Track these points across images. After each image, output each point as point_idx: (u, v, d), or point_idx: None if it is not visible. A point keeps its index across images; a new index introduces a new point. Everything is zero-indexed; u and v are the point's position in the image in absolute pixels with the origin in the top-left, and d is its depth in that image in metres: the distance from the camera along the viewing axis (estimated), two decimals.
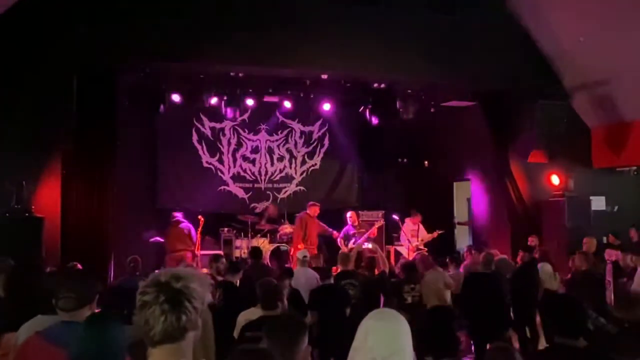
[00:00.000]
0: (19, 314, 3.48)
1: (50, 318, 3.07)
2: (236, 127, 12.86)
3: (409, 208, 11.92)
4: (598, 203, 11.03)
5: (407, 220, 11.53)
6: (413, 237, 11.30)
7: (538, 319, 7.05)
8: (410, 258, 10.21)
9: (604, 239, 10.34)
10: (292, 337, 2.72)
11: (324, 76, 10.22)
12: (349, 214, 11.42)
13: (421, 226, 11.48)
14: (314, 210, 10.99)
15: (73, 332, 2.58)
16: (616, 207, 11.16)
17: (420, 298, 7.28)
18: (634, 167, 11.05)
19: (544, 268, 7.34)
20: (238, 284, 6.83)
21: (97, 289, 3.21)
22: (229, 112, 11.23)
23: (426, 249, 10.97)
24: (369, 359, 2.47)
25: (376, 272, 7.98)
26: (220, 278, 6.65)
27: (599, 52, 9.84)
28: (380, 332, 2.51)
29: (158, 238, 10.77)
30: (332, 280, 7.05)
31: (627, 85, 9.96)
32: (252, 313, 4.82)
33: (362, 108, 11.91)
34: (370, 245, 10.59)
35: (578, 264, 7.78)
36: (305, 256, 7.73)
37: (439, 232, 11.35)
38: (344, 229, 11.27)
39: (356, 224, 11.26)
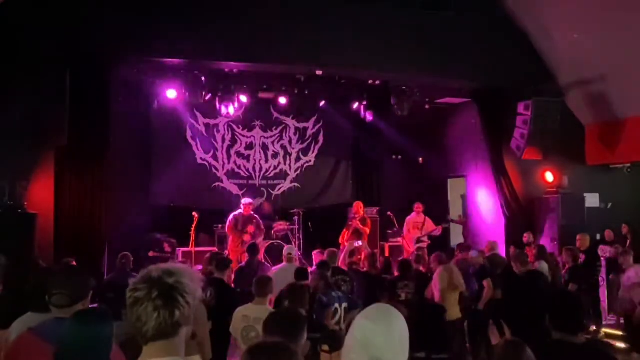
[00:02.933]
0: (11, 311, 3.45)
1: (42, 315, 3.04)
2: (230, 123, 12.80)
3: (403, 204, 11.92)
4: (592, 200, 11.08)
5: (414, 212, 11.53)
6: (416, 229, 11.32)
7: None
8: (411, 250, 10.26)
9: (597, 236, 10.38)
10: (292, 331, 2.70)
11: (319, 72, 10.20)
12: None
13: (427, 218, 11.47)
14: (245, 207, 10.51)
15: (64, 328, 2.55)
16: (610, 204, 11.21)
17: (414, 295, 7.25)
18: (628, 164, 11.10)
19: (541, 266, 7.31)
20: (235, 280, 6.76)
21: (91, 285, 3.18)
22: (223, 108, 11.17)
23: (429, 242, 11.04)
24: (365, 358, 2.43)
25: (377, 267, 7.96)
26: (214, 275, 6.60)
27: (593, 50, 9.87)
28: (377, 331, 2.40)
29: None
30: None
31: (621, 82, 9.99)
32: (249, 309, 4.80)
33: (356, 104, 11.88)
34: (360, 243, 10.59)
35: (565, 260, 7.79)
36: (290, 253, 7.71)
37: (444, 225, 11.44)
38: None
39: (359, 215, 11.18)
